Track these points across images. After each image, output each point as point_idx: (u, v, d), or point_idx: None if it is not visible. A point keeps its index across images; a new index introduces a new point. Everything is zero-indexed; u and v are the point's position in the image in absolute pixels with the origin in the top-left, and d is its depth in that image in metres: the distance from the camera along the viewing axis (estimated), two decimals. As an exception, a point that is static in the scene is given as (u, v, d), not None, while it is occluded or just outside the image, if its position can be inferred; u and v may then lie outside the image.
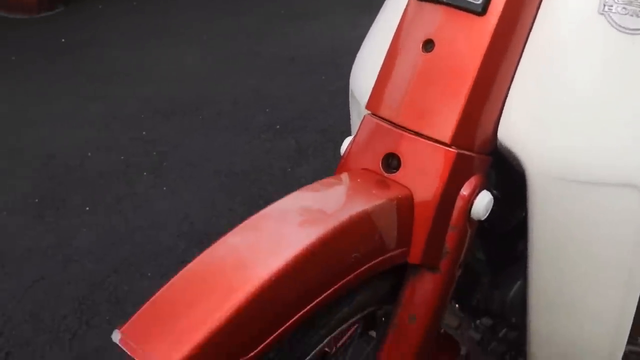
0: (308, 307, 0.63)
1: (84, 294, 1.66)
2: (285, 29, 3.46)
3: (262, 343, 0.59)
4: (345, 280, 0.66)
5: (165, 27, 3.50)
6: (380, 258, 0.71)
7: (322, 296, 0.64)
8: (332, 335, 0.74)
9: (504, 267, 1.07)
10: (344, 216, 0.67)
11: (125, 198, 2.05)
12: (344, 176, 0.77)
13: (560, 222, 0.80)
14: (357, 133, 0.82)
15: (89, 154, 2.30)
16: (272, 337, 0.60)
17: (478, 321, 1.62)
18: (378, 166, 0.78)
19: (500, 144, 0.79)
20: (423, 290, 0.80)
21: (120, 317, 1.60)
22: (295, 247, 0.61)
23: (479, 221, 0.81)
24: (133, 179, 2.15)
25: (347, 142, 0.86)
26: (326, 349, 0.95)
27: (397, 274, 0.81)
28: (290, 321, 0.61)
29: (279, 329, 0.60)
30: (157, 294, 0.58)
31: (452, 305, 1.66)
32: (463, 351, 1.52)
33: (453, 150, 0.75)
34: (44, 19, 3.59)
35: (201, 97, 2.71)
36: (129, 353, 0.54)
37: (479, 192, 0.78)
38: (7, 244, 1.85)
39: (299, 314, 0.62)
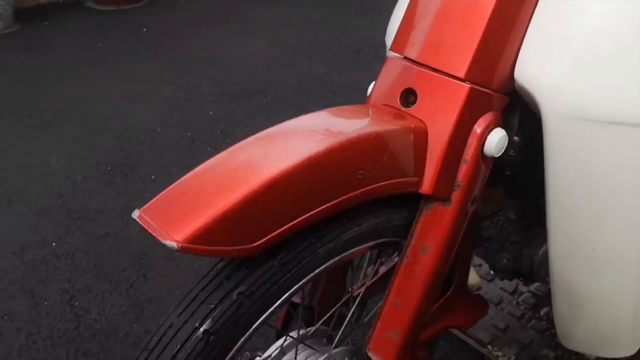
0: (312, 212, 0.68)
1: (143, 251, 1.78)
2: (355, 22, 3.53)
3: (266, 236, 0.65)
4: (350, 195, 0.71)
5: (239, 19, 3.66)
6: (389, 182, 0.76)
7: (327, 205, 0.69)
8: (343, 256, 0.79)
9: (535, 228, 1.08)
10: (353, 133, 0.72)
11: (189, 169, 2.17)
12: (363, 106, 0.82)
13: (576, 163, 0.81)
14: (380, 74, 0.86)
15: (159, 129, 2.44)
16: (276, 232, 0.65)
17: (520, 298, 1.61)
18: (396, 101, 0.82)
19: (517, 84, 0.82)
20: (435, 221, 0.83)
21: (174, 272, 1.71)
22: (302, 154, 0.67)
23: (494, 159, 0.84)
24: (197, 153, 2.28)
25: (372, 85, 0.90)
26: (349, 289, 1.00)
27: (412, 208, 0.85)
28: (294, 221, 0.67)
29: (283, 226, 0.66)
30: (173, 185, 0.65)
31: (494, 281, 1.66)
32: (502, 325, 1.52)
33: (467, 85, 0.78)
34: (129, 11, 3.83)
35: (266, 83, 2.82)
36: (144, 227, 0.61)
37: (493, 129, 0.81)
38: (80, 204, 2.00)
39: (303, 217, 0.67)
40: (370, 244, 0.83)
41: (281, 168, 0.65)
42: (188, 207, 0.62)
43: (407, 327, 0.86)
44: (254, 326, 0.72)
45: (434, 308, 1.03)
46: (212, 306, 0.68)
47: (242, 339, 0.71)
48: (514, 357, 1.45)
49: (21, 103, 2.68)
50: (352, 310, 0.92)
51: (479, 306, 1.14)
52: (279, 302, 0.73)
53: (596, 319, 1.04)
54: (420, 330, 0.90)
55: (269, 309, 0.72)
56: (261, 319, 0.72)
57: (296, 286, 0.74)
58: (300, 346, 0.91)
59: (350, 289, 0.97)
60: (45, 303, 1.61)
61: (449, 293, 1.03)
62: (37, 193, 2.05)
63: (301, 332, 0.91)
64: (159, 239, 0.59)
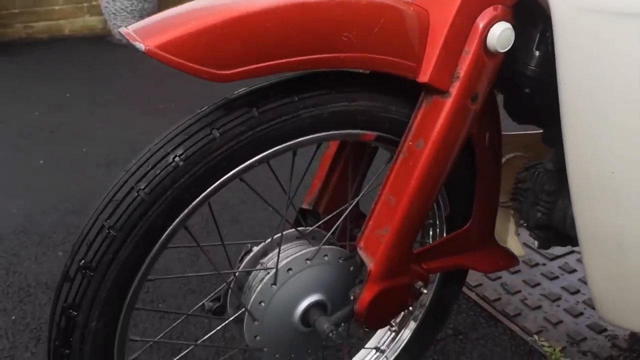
0: (290, 59, 0.70)
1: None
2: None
3: (238, 67, 0.68)
4: (333, 55, 0.73)
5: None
6: (381, 57, 0.77)
7: (307, 56, 0.71)
8: (332, 133, 0.80)
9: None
10: (343, -4, 0.74)
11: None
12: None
13: (587, 61, 0.77)
14: (398, -24, 0.88)
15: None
16: (249, 67, 0.69)
17: (583, 299, 1.49)
18: (406, -4, 0.84)
19: (528, -20, 0.80)
20: (432, 115, 0.82)
21: (238, 231, 1.78)
22: (286, 1, 0.70)
23: (501, 56, 0.82)
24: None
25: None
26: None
27: (414, 106, 0.84)
28: (270, 62, 0.70)
29: (258, 63, 0.69)
30: (159, 13, 0.71)
31: (556, 280, 1.54)
32: (554, 320, 1.41)
33: (471, -27, 0.78)
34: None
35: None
36: (125, 36, 0.67)
37: (497, 22, 0.79)
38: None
39: (280, 61, 0.70)
40: (367, 132, 0.83)
41: (261, 7, 0.69)
42: (167, 26, 0.67)
43: (398, 225, 0.85)
44: (228, 175, 0.75)
45: (446, 238, 1.00)
46: (186, 137, 0.72)
47: (216, 184, 0.75)
48: (559, 348, 1.34)
49: (145, 95, 2.96)
50: (348, 211, 0.92)
51: (505, 259, 1.08)
52: (257, 157, 0.76)
53: (631, 277, 0.95)
54: (413, 234, 0.87)
55: (245, 160, 0.75)
56: (237, 169, 0.75)
57: (278, 147, 0.77)
58: (297, 242, 0.92)
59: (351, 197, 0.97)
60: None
61: (465, 227, 1.00)
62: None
63: (301, 229, 0.92)
64: (130, 41, 0.65)
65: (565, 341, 1.37)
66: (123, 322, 0.76)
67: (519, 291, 1.52)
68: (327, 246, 0.90)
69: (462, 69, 0.80)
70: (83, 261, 0.72)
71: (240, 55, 0.69)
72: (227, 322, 0.89)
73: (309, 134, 0.79)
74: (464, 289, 1.52)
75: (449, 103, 0.81)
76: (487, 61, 0.81)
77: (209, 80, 0.68)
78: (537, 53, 0.88)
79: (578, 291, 1.52)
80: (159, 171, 0.71)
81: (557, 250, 1.64)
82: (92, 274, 0.71)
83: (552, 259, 1.64)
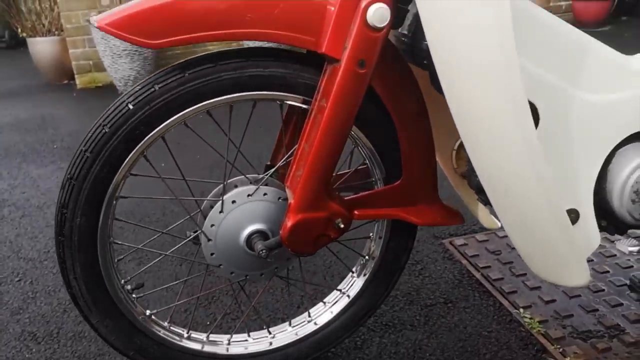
0: (206, 32, 0.99)
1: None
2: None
3: (166, 38, 0.98)
4: (241, 30, 1.00)
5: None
6: (283, 32, 1.02)
7: (219, 32, 0.99)
8: (255, 94, 1.06)
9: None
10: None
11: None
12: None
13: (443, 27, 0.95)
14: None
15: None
16: (174, 38, 0.98)
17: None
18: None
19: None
20: (331, 79, 1.04)
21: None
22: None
23: (384, 30, 1.02)
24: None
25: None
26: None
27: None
28: (189, 35, 0.98)
29: (180, 36, 0.98)
30: (125, 3, 1.03)
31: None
32: (547, 298, 1.48)
33: (353, -35, 1.01)
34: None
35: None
36: (92, 24, 1.01)
37: (375, 3, 1.00)
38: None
39: (197, 34, 0.98)
40: (290, 95, 1.08)
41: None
42: (119, 11, 0.99)
43: (310, 167, 1.07)
44: (169, 120, 1.04)
45: (378, 190, 1.19)
46: (136, 90, 1.03)
47: (160, 126, 1.04)
48: (539, 320, 1.40)
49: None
50: (283, 161, 1.16)
51: (446, 215, 1.23)
52: (192, 107, 1.05)
53: (527, 224, 1.06)
54: (324, 175, 1.07)
55: (182, 109, 1.04)
56: (176, 116, 1.04)
57: (210, 100, 1.05)
58: (247, 185, 1.18)
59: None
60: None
61: (397, 183, 1.18)
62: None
63: (254, 175, 1.18)
64: (92, 21, 0.98)
65: (550, 315, 1.42)
66: (102, 224, 1.08)
67: (525, 274, 1.59)
68: (266, 187, 1.15)
69: (350, 40, 1.02)
70: (69, 174, 1.06)
71: (166, 30, 0.99)
72: (187, 239, 1.18)
73: (235, 92, 1.06)
74: (470, 269, 1.64)
75: (340, 69, 1.03)
76: (371, 34, 1.02)
77: (143, 46, 0.99)
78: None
79: (586, 277, 1.55)
80: (116, 112, 1.03)
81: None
82: (74, 183, 1.05)
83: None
